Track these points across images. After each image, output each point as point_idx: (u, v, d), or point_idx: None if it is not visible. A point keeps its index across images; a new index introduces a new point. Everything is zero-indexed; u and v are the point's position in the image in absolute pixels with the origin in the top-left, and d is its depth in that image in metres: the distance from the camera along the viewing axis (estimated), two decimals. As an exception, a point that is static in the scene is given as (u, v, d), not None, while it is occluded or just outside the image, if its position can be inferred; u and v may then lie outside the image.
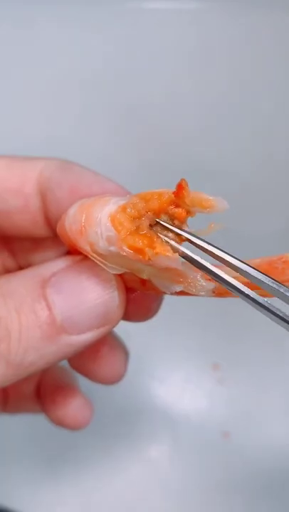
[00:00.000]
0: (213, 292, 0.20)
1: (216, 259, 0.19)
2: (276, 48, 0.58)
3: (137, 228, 0.19)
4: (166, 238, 0.19)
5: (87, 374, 0.27)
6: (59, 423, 0.30)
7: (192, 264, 0.19)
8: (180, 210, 0.19)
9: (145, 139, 0.56)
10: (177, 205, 0.19)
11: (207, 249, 0.19)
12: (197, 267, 0.19)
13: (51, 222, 0.25)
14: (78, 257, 0.22)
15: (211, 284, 0.20)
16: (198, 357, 0.49)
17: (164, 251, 0.18)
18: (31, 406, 0.32)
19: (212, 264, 0.19)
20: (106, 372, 0.27)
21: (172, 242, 0.19)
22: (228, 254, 0.19)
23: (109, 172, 0.51)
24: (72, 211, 0.21)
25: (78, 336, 0.21)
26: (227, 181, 0.53)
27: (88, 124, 0.56)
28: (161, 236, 0.19)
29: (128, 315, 0.24)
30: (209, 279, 0.20)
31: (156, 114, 0.57)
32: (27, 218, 0.24)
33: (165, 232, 0.19)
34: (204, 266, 0.19)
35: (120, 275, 0.21)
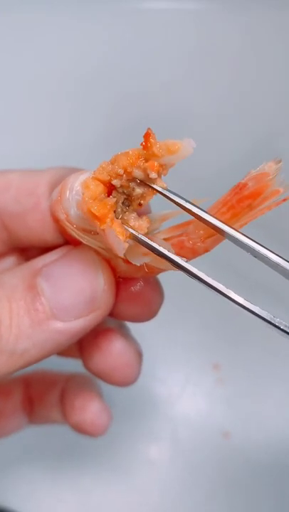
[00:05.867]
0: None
1: (192, 215, 0.19)
2: (276, 48, 0.58)
3: (104, 194, 0.19)
4: (130, 230, 0.19)
5: (101, 376, 0.27)
6: (78, 429, 0.31)
7: (148, 248, 0.19)
8: (151, 161, 0.19)
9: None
10: (147, 160, 0.19)
11: (180, 204, 0.19)
12: (150, 250, 0.19)
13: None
14: (69, 247, 0.22)
15: (182, 259, 0.19)
16: (199, 357, 0.49)
17: (118, 232, 0.18)
18: (56, 416, 0.32)
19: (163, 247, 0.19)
20: (119, 373, 0.27)
21: (131, 230, 0.19)
22: (203, 210, 0.19)
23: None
24: (56, 187, 0.22)
25: (68, 323, 0.21)
26: (228, 180, 0.53)
27: (88, 123, 0.57)
28: (125, 221, 0.19)
29: (127, 314, 0.24)
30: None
31: (156, 114, 0.57)
32: (38, 219, 0.25)
33: (128, 215, 0.19)
34: (162, 253, 0.19)
35: (108, 262, 0.21)
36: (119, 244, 0.18)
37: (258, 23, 0.57)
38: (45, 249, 0.26)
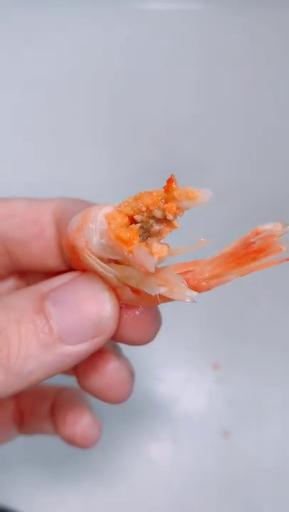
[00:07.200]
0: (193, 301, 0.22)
1: None
2: (276, 48, 0.58)
3: (128, 226, 0.21)
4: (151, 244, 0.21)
5: (95, 393, 0.28)
6: (69, 441, 0.32)
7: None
8: (170, 204, 0.21)
9: (145, 141, 0.56)
10: (167, 201, 0.21)
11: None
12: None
13: (64, 252, 0.27)
14: (76, 273, 0.23)
15: (193, 292, 0.21)
16: (199, 356, 0.49)
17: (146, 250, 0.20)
18: (46, 427, 0.34)
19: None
20: (113, 392, 0.28)
21: (155, 245, 0.21)
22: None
23: (107, 176, 0.51)
24: (74, 217, 0.23)
25: (74, 346, 0.22)
26: (228, 183, 0.53)
27: (86, 124, 0.57)
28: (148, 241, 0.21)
29: (125, 338, 0.25)
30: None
31: (156, 115, 0.57)
32: (42, 245, 0.27)
33: (151, 239, 0.21)
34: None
35: (114, 290, 0.23)
36: (150, 259, 0.20)
37: (257, 23, 0.57)
38: (45, 273, 0.27)
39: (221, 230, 0.48)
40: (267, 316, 0.51)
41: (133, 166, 0.54)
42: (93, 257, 0.22)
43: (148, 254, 0.20)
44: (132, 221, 0.21)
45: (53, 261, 0.27)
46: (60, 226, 0.26)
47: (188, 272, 0.22)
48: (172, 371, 0.49)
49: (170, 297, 0.21)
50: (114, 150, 0.55)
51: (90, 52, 0.57)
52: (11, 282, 0.30)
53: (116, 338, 0.25)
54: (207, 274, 0.22)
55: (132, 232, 0.20)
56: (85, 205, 0.25)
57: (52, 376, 0.22)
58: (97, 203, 0.24)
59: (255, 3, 0.56)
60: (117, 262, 0.22)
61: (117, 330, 0.24)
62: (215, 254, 0.22)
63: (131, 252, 0.20)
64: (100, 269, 0.22)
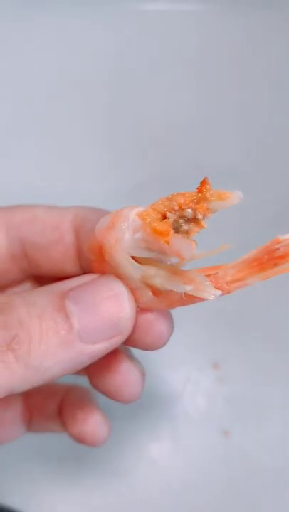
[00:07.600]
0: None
1: None
2: (277, 48, 0.58)
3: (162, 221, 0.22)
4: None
5: (107, 393, 0.29)
6: (79, 439, 0.33)
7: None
8: (202, 204, 0.22)
9: (145, 141, 0.56)
10: (198, 202, 0.22)
11: None
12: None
13: (82, 257, 0.28)
14: (96, 275, 0.24)
15: (217, 291, 0.22)
16: (199, 356, 0.49)
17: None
18: (54, 425, 0.34)
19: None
20: (124, 391, 0.28)
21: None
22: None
23: (107, 176, 0.51)
24: (104, 217, 0.24)
25: (92, 345, 0.22)
26: (228, 183, 0.53)
27: (86, 124, 0.57)
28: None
29: (138, 342, 0.26)
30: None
31: (156, 116, 0.57)
32: (61, 251, 0.28)
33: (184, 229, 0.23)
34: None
35: (133, 292, 0.23)
36: (188, 245, 0.21)
37: (257, 23, 0.57)
38: (62, 278, 0.27)
39: (220, 228, 0.48)
40: (267, 316, 0.51)
41: (133, 166, 0.54)
42: (122, 253, 0.23)
43: (184, 240, 0.21)
44: (163, 219, 0.22)
45: (70, 266, 0.28)
46: (80, 233, 0.27)
47: (211, 275, 0.23)
48: (172, 371, 0.49)
49: (195, 295, 0.22)
50: (114, 150, 0.55)
51: (90, 52, 0.57)
52: (27, 286, 0.31)
53: (129, 342, 0.25)
54: (230, 278, 0.23)
55: (166, 225, 0.21)
56: (103, 213, 0.26)
57: (67, 374, 0.23)
58: (111, 211, 0.25)
59: (255, 3, 0.56)
60: (140, 262, 0.23)
61: (132, 333, 0.24)
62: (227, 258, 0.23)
63: (167, 242, 0.21)
64: (128, 267, 0.23)
